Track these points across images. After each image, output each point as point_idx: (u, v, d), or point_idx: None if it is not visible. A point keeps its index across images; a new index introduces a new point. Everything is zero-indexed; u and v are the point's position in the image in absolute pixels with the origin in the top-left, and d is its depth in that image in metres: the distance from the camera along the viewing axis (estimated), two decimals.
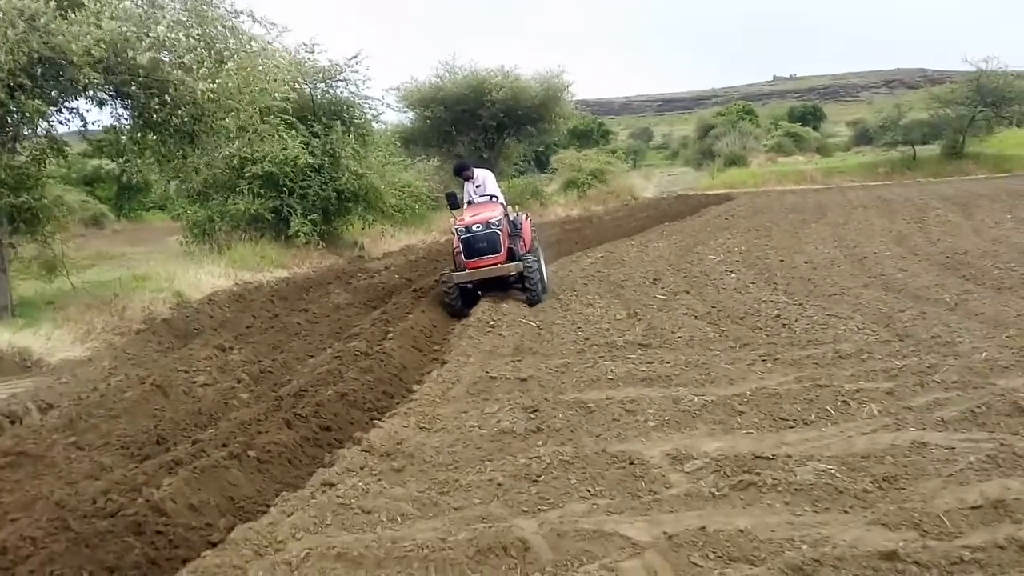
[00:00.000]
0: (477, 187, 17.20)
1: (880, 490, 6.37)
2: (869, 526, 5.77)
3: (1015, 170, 46.07)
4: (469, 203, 17.03)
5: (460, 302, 15.70)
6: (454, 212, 17.24)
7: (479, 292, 16.32)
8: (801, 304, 14.17)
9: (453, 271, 16.08)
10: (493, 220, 15.70)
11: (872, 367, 9.75)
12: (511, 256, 15.87)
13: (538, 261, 16.15)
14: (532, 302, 15.50)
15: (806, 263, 19.07)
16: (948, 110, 50.34)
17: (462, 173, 17.58)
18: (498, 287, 16.28)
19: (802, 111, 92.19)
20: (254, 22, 20.67)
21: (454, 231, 16.32)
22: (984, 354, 9.79)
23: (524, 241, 16.34)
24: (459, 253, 15.93)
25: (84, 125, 20.49)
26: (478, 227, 15.63)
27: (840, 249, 21.22)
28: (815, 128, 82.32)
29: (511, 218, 16.83)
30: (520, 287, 15.91)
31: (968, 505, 5.87)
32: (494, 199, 16.88)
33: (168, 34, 17.67)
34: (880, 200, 34.86)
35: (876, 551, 5.25)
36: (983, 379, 8.77)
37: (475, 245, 15.64)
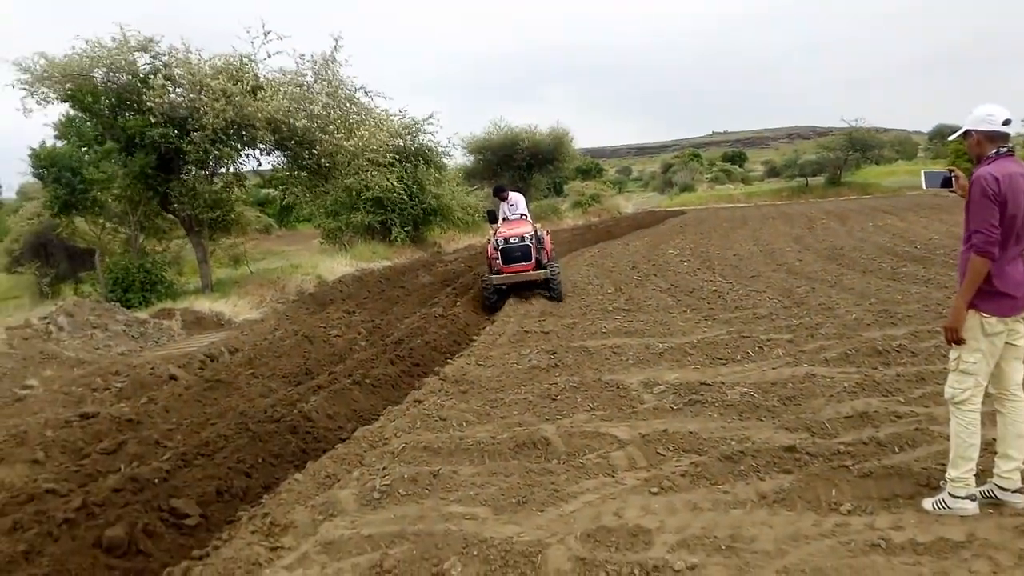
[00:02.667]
0: (511, 206, 15.44)
1: (784, 405, 6.35)
2: (776, 429, 5.76)
3: (875, 193, 45.64)
4: (504, 219, 15.35)
5: (496, 297, 14.22)
6: (492, 226, 15.74)
7: (509, 291, 14.66)
8: (731, 282, 14.09)
9: (491, 274, 14.46)
10: (526, 235, 14.20)
11: (779, 324, 9.69)
12: (538, 264, 14.28)
13: (559, 267, 14.67)
14: (556, 299, 13.92)
15: (734, 255, 18.92)
16: (830, 153, 50.02)
17: (499, 194, 15.81)
18: (526, 288, 14.60)
19: (731, 154, 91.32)
20: (366, 94, 20.69)
21: (492, 241, 14.70)
22: (854, 316, 9.71)
23: (546, 251, 14.75)
24: (496, 260, 14.38)
25: (259, 165, 20.77)
26: (514, 240, 14.14)
27: (757, 246, 21.05)
28: (740, 166, 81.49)
29: (537, 234, 14.95)
30: (545, 289, 14.27)
31: (843, 415, 5.85)
32: (524, 217, 15.27)
33: (320, 111, 17.85)
34: (783, 214, 34.52)
35: (781, 446, 5.25)
36: (853, 332, 8.71)
37: (511, 254, 14.14)
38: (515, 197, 15.70)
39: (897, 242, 18.95)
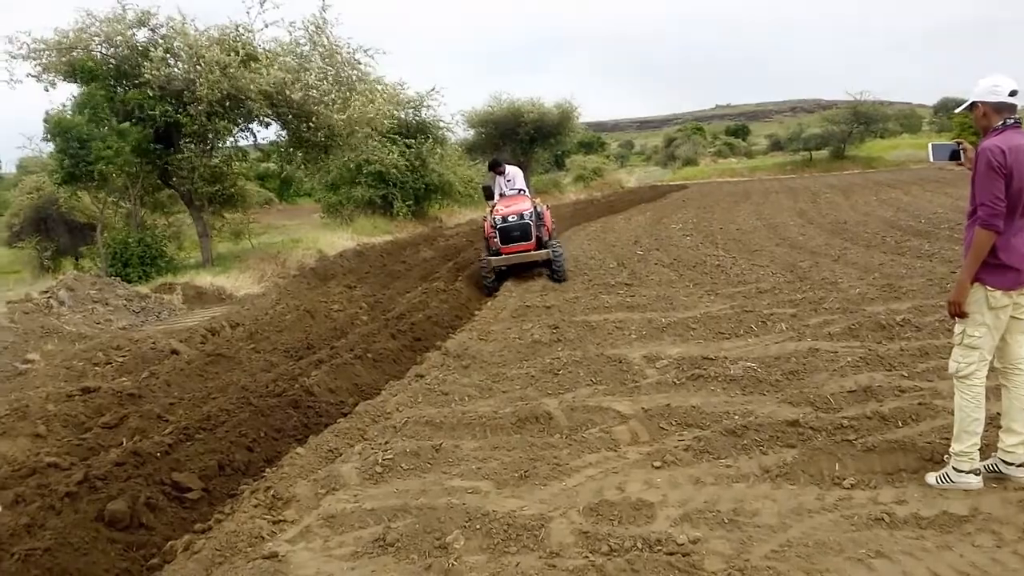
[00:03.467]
0: (508, 181, 14.30)
1: (787, 380, 6.33)
2: (779, 404, 5.75)
3: (879, 167, 45.43)
4: (501, 195, 14.20)
5: (495, 280, 13.33)
6: (488, 203, 14.45)
7: (509, 273, 13.78)
8: (734, 257, 14.05)
9: (489, 255, 13.40)
10: (526, 212, 13.14)
11: (782, 298, 9.66)
12: (539, 243, 13.31)
13: (561, 246, 13.70)
14: (559, 280, 12.95)
15: (737, 229, 18.87)
16: (834, 127, 49.74)
17: (495, 168, 14.57)
18: (527, 268, 13.72)
19: (735, 128, 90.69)
20: (365, 52, 20.47)
21: (489, 220, 13.53)
22: (857, 290, 9.68)
23: (547, 228, 13.71)
24: (494, 239, 13.26)
25: (256, 140, 20.71)
26: (513, 218, 13.07)
27: (760, 220, 20.97)
28: (743, 139, 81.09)
29: (537, 210, 13.84)
30: (547, 270, 13.33)
31: (846, 390, 5.83)
32: (522, 192, 14.19)
33: (314, 82, 17.70)
34: (787, 187, 34.39)
35: (784, 420, 5.24)
36: (856, 306, 8.68)
37: (510, 233, 13.07)
38: (512, 171, 14.65)
39: (901, 216, 18.88)
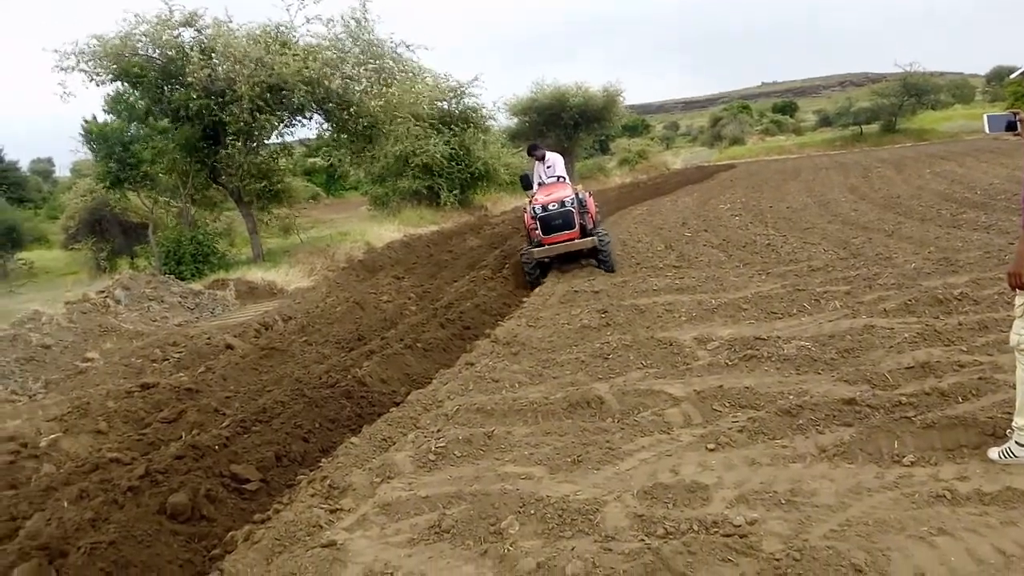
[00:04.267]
0: (548, 167, 13.54)
1: (842, 358, 6.23)
2: (835, 382, 5.66)
3: (932, 139, 44.49)
4: (540, 184, 13.46)
5: (538, 272, 12.56)
6: (527, 192, 13.83)
7: (551, 264, 12.93)
8: (784, 235, 13.85)
9: (531, 247, 12.69)
10: (567, 199, 12.34)
11: (835, 276, 9.50)
12: (583, 231, 12.49)
13: (608, 234, 12.79)
14: (607, 269, 12.20)
15: (787, 208, 18.59)
16: (884, 100, 48.84)
17: (534, 153, 13.82)
18: (571, 259, 12.89)
19: (782, 105, 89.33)
20: (408, 47, 20.62)
21: (528, 210, 12.90)
22: (913, 265, 9.48)
23: (591, 216, 12.89)
24: (535, 230, 12.55)
25: (299, 128, 21.04)
26: (554, 206, 12.26)
27: (810, 197, 20.64)
28: (791, 116, 79.91)
29: (579, 196, 12.99)
30: (594, 260, 12.54)
31: (904, 366, 5.72)
32: (562, 179, 13.36)
33: (352, 71, 17.83)
34: (837, 163, 33.80)
35: (840, 399, 5.15)
36: (912, 281, 8.50)
37: (552, 222, 12.28)
38: (552, 157, 13.84)
39: (956, 188, 18.43)
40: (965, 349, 6.03)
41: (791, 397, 5.42)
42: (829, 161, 36.67)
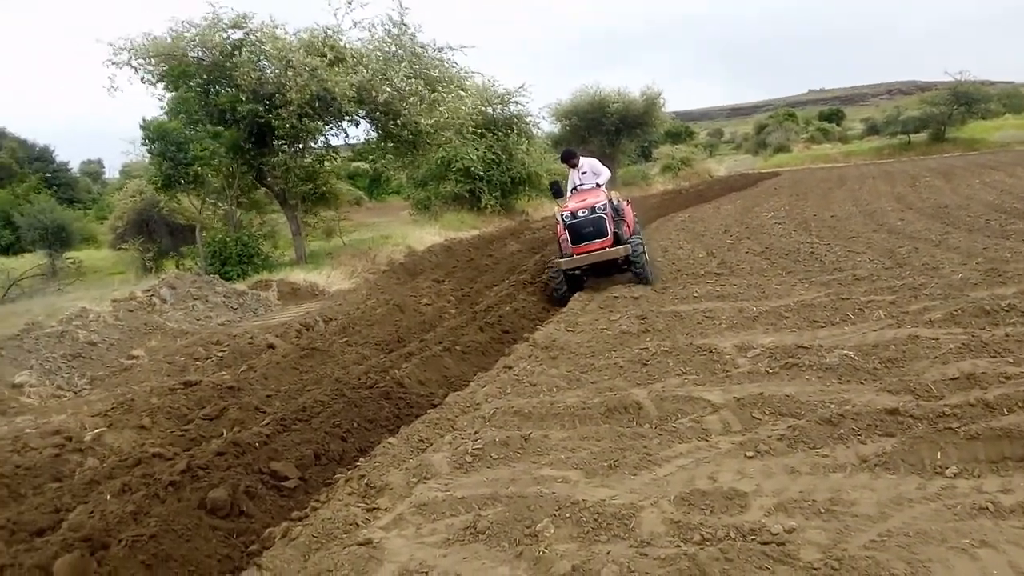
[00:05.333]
0: (583, 174, 12.52)
1: (886, 368, 6.13)
2: (878, 392, 5.57)
3: (982, 149, 43.68)
4: (574, 190, 12.46)
5: (565, 287, 11.39)
6: (557, 201, 12.87)
7: (584, 278, 11.91)
8: (829, 244, 13.67)
9: (560, 258, 11.66)
10: (598, 204, 11.34)
11: (879, 285, 9.36)
12: (617, 240, 11.42)
13: (643, 243, 11.57)
14: (641, 281, 11.18)
15: (832, 216, 18.35)
16: (934, 108, 48.03)
17: (569, 160, 12.78)
18: (605, 272, 11.80)
19: (828, 113, 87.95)
20: (452, 50, 20.71)
21: (558, 218, 11.85)
22: (960, 275, 9.30)
23: (627, 225, 11.94)
24: (565, 240, 11.62)
25: (347, 138, 21.21)
26: (583, 212, 11.29)
27: (856, 206, 20.36)
28: (838, 124, 78.78)
29: (614, 204, 12.08)
30: (628, 270, 11.49)
31: (949, 377, 5.61)
32: (598, 187, 12.21)
33: (399, 80, 17.96)
34: (884, 172, 33.30)
35: (883, 408, 5.07)
36: (959, 292, 8.33)
37: (581, 230, 11.30)
38: (588, 163, 12.75)
39: (1006, 198, 18.06)
40: (1012, 361, 5.89)
41: (832, 406, 5.34)
42: (876, 170, 36.16)
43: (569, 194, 12.46)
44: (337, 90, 16.85)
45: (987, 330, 6.80)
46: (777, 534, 3.73)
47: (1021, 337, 6.44)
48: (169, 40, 16.97)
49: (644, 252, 11.35)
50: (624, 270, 11.61)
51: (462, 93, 20.96)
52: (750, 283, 10.48)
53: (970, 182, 23.78)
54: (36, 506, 5.22)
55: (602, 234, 11.32)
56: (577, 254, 11.35)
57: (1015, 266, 9.52)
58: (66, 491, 5.46)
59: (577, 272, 11.56)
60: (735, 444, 5.04)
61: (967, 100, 46.50)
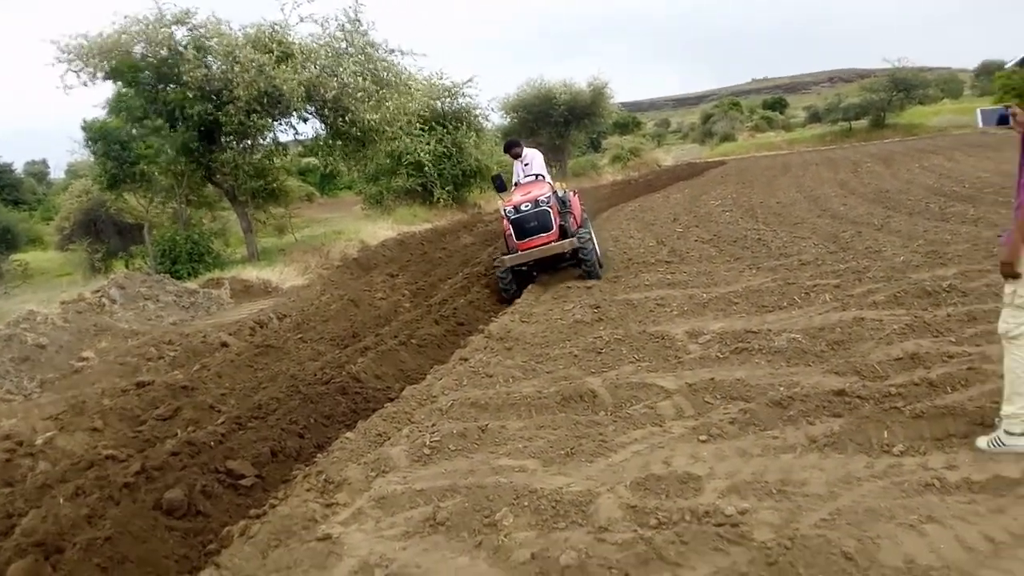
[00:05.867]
0: (526, 165, 12.09)
1: (832, 350, 6.24)
2: (825, 374, 5.68)
3: (920, 134, 44.52)
4: (517, 184, 12.04)
5: (514, 286, 11.06)
6: (501, 195, 12.44)
7: (533, 273, 11.57)
8: (775, 230, 13.87)
9: (505, 255, 11.20)
10: (542, 198, 10.93)
11: (824, 269, 9.53)
12: (563, 233, 11.07)
13: (590, 234, 11.22)
14: (590, 276, 10.85)
15: (777, 203, 18.61)
16: (873, 95, 48.87)
17: (511, 150, 12.41)
18: (552, 266, 11.45)
19: (772, 101, 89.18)
20: (403, 55, 20.65)
21: (503, 213, 11.37)
22: (902, 258, 9.50)
23: (574, 217, 11.54)
24: (510, 235, 11.17)
25: (296, 134, 21.02)
26: (527, 206, 10.87)
27: (800, 192, 20.67)
28: (781, 112, 79.86)
29: (560, 195, 11.66)
30: (576, 264, 11.17)
31: (893, 358, 5.73)
32: (540, 178, 11.86)
33: (347, 78, 17.83)
34: (827, 159, 33.83)
35: (830, 390, 5.17)
36: (901, 274, 8.52)
37: (526, 225, 10.89)
38: (530, 154, 12.35)
39: (945, 182, 18.46)
40: (954, 340, 6.05)
41: (782, 389, 5.43)
42: (819, 157, 36.73)
43: (513, 187, 12.07)
44: (285, 87, 16.68)
45: (929, 311, 6.96)
46: (731, 516, 3.78)
47: (962, 317, 6.60)
48: (109, 39, 16.62)
49: (593, 245, 11.07)
50: (572, 264, 11.28)
51: (409, 93, 20.90)
52: (699, 270, 10.60)
53: (910, 167, 24.28)
54: None
55: (547, 228, 10.93)
56: (522, 249, 10.94)
57: (955, 248, 9.75)
58: (18, 496, 5.34)
59: (524, 268, 11.27)
60: (688, 429, 5.09)
61: (906, 86, 47.38)
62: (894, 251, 10.22)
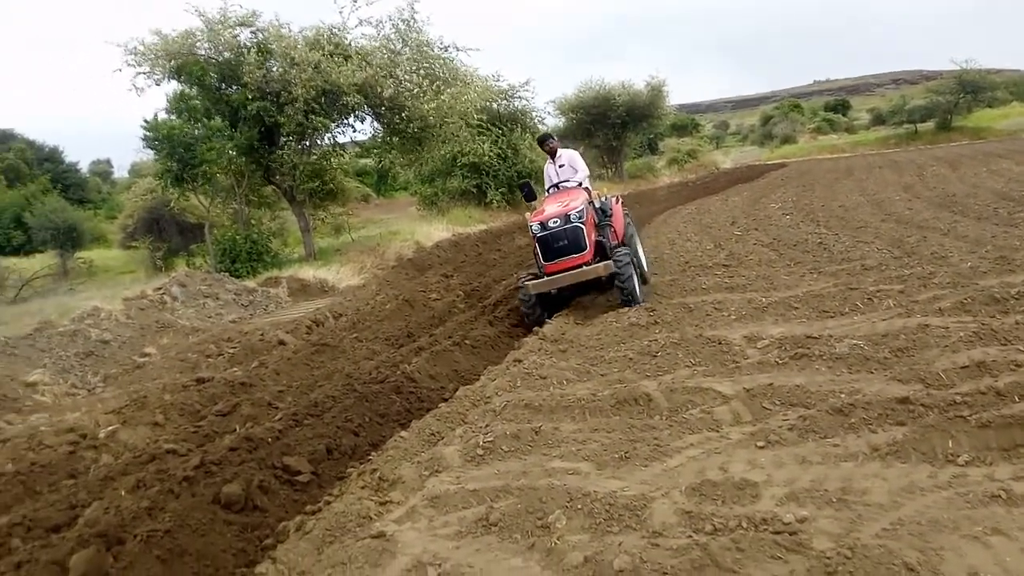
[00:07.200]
0: (561, 167, 10.59)
1: (896, 357, 6.10)
2: (888, 381, 5.55)
3: (988, 137, 43.44)
4: (551, 188, 10.54)
5: (538, 311, 9.55)
6: (530, 205, 10.82)
7: (565, 295, 10.05)
8: (837, 234, 13.61)
9: (529, 278, 9.76)
10: (574, 212, 9.33)
11: (888, 275, 9.32)
12: (600, 251, 9.61)
13: (629, 255, 9.44)
14: (627, 304, 9.17)
15: (840, 206, 18.27)
16: (939, 98, 47.86)
17: (545, 144, 10.83)
18: (585, 291, 10.06)
19: (834, 103, 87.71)
20: (457, 51, 20.75)
21: (529, 228, 9.74)
22: (968, 264, 9.26)
23: (615, 231, 10.11)
24: (538, 255, 9.69)
25: (354, 132, 21.28)
26: (555, 221, 9.35)
27: (863, 196, 20.28)
28: (844, 115, 78.48)
29: (599, 204, 10.26)
30: (613, 290, 9.60)
31: (959, 366, 5.58)
32: (580, 185, 10.38)
33: (404, 76, 17.98)
34: (891, 162, 33.16)
35: (893, 398, 5.05)
36: (968, 280, 8.30)
37: (554, 244, 9.40)
38: (567, 155, 10.80)
39: (1013, 187, 17.95)
40: (1022, 349, 5.87)
41: (843, 396, 5.32)
42: (882, 160, 36.01)
43: (546, 194, 10.67)
44: (342, 80, 16.89)
45: (997, 318, 6.77)
46: (789, 524, 3.72)
47: None
48: (178, 39, 17.04)
49: (632, 269, 9.36)
50: (608, 288, 9.80)
51: (467, 84, 20.99)
52: (759, 274, 10.45)
53: (977, 170, 23.67)
54: (52, 503, 5.25)
55: (580, 248, 9.45)
56: (549, 273, 9.50)
57: None
58: (81, 487, 5.49)
59: (552, 293, 9.71)
60: (746, 435, 5.03)
61: (973, 88, 46.35)
62: (961, 256, 9.96)
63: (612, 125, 39.67)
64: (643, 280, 10.39)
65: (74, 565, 4.12)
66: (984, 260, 9.35)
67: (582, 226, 9.38)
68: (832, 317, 7.73)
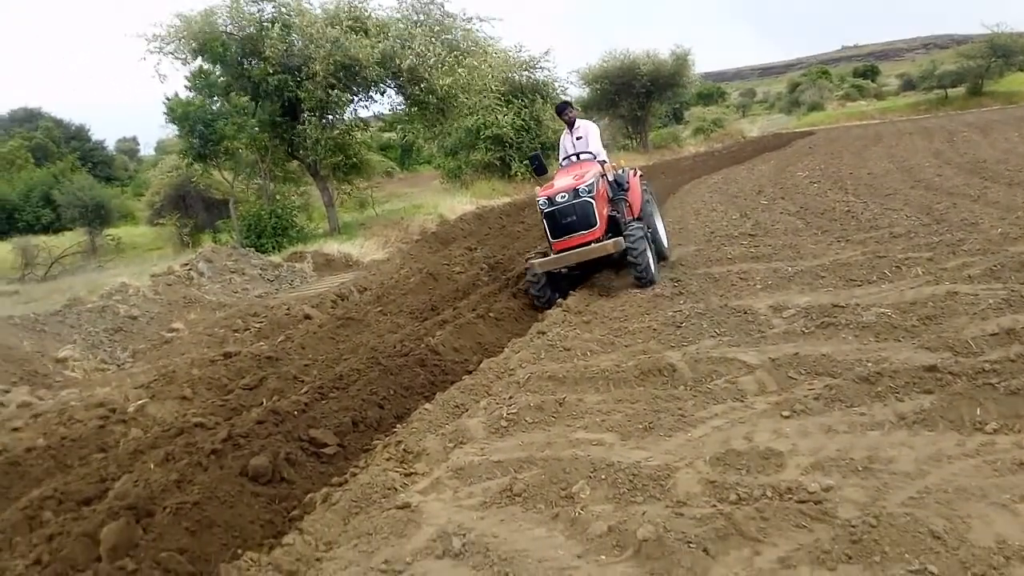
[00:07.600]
0: (578, 139, 10.03)
1: (924, 325, 6.03)
2: (916, 350, 5.49)
3: (1020, 102, 42.71)
4: (565, 160, 10.04)
5: (548, 292, 9.06)
6: (540, 179, 10.28)
7: (575, 273, 9.60)
8: (865, 202, 13.45)
9: (536, 257, 9.47)
10: (583, 186, 8.86)
11: (917, 242, 9.20)
12: (613, 226, 9.19)
13: (643, 229, 8.94)
14: (641, 283, 8.74)
15: (868, 174, 18.05)
16: (970, 62, 47.02)
17: (564, 113, 10.17)
18: (595, 269, 9.56)
19: (863, 69, 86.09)
20: (480, 21, 20.65)
21: (537, 203, 9.36)
22: (999, 230, 9.12)
23: (630, 205, 9.69)
24: (546, 232, 9.30)
25: (374, 102, 21.38)
26: (563, 196, 8.88)
27: (893, 163, 20.01)
28: (873, 81, 77.21)
29: (613, 176, 9.70)
30: (626, 268, 9.13)
31: (988, 333, 5.50)
32: (595, 158, 9.82)
33: (421, 48, 17.91)
34: (921, 128, 32.66)
35: (921, 366, 4.99)
36: (998, 247, 8.17)
37: (562, 220, 8.92)
38: (584, 126, 10.26)
39: None
40: None
41: (870, 364, 5.27)
42: (912, 126, 35.48)
43: (560, 165, 10.19)
44: (362, 55, 16.87)
45: None
46: (814, 492, 3.70)
47: None
48: (200, 18, 17.08)
49: (646, 244, 8.83)
50: (624, 266, 9.26)
51: (485, 56, 20.88)
52: (785, 243, 10.35)
53: (1008, 136, 23.27)
54: (82, 476, 5.33)
55: (589, 224, 8.94)
56: (557, 251, 9.06)
57: None
58: (111, 461, 5.57)
59: (560, 272, 9.28)
60: (771, 404, 5.00)
61: (1004, 52, 45.51)
62: (991, 223, 9.81)
63: (637, 95, 39.24)
64: (661, 257, 10.05)
65: (104, 537, 4.18)
66: (1015, 226, 9.21)
67: (592, 201, 8.93)
68: (859, 286, 7.65)
